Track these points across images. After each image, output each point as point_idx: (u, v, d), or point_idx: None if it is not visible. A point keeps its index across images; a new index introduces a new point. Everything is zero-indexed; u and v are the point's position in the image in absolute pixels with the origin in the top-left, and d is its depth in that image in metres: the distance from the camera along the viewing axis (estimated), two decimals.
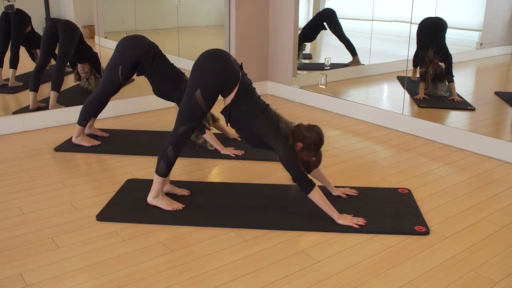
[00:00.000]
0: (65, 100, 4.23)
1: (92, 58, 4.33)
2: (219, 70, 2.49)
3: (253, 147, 2.65)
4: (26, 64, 4.30)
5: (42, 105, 4.14)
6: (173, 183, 2.90)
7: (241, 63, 2.64)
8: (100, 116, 3.93)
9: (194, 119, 2.57)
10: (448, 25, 4.18)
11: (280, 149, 2.44)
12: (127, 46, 3.34)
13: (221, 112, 2.58)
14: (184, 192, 2.83)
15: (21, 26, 4.14)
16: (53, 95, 4.09)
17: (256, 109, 2.51)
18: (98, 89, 3.47)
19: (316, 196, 2.47)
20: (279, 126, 2.49)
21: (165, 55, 3.42)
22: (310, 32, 5.25)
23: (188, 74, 3.47)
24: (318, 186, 2.53)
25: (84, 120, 3.57)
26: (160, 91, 3.45)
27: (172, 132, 2.61)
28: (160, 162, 2.62)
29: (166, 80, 3.37)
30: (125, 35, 3.48)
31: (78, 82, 4.46)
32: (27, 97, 4.12)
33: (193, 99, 2.51)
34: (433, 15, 4.21)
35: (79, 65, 4.34)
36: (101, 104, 3.54)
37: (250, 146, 2.66)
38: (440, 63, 4.25)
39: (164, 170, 2.62)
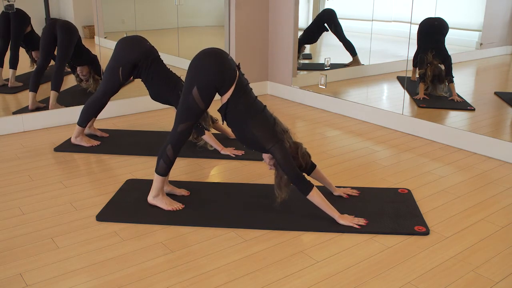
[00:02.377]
0: (65, 100, 4.23)
1: (91, 60, 4.33)
2: (215, 68, 2.48)
3: (248, 148, 2.65)
4: (26, 64, 4.30)
5: (42, 106, 4.14)
6: (173, 183, 2.90)
7: (239, 63, 2.64)
8: (100, 116, 3.94)
9: (192, 118, 2.57)
10: (449, 25, 4.18)
11: (277, 152, 2.44)
12: (126, 47, 3.35)
13: (218, 111, 2.58)
14: (183, 192, 2.83)
15: (20, 26, 4.14)
16: (53, 95, 4.09)
17: (253, 109, 2.51)
18: (99, 91, 3.47)
19: (315, 197, 2.47)
20: (275, 129, 2.49)
21: (162, 60, 3.43)
22: (311, 35, 5.25)
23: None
24: (319, 187, 2.53)
25: (84, 121, 3.57)
26: (156, 95, 3.46)
27: (171, 131, 2.61)
28: (160, 161, 2.62)
29: (163, 84, 3.37)
30: (125, 35, 3.48)
31: (80, 84, 4.46)
32: (27, 97, 4.12)
33: (190, 97, 2.51)
34: (433, 16, 4.21)
35: (78, 68, 4.34)
36: (102, 105, 3.55)
37: (245, 147, 2.66)
38: (439, 65, 4.25)
39: (163, 169, 2.62)
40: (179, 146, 2.61)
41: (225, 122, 2.60)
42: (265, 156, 2.60)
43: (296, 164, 2.49)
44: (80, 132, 3.61)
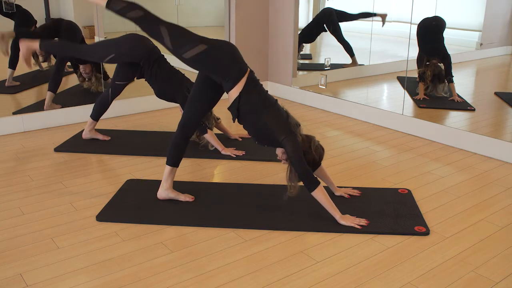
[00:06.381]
0: (65, 100, 4.22)
1: None
2: (231, 53, 2.56)
3: (260, 144, 2.64)
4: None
5: (58, 107, 4.14)
6: (174, 183, 2.89)
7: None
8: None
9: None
10: (448, 25, 4.18)
11: (289, 144, 2.43)
12: (131, 44, 3.37)
13: (229, 108, 2.56)
14: (188, 198, 2.78)
15: (25, 26, 4.13)
16: (49, 95, 4.08)
17: (266, 101, 2.51)
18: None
19: (320, 195, 2.47)
20: (288, 121, 2.49)
21: (165, 58, 3.45)
22: (310, 34, 5.25)
23: (188, 75, 3.49)
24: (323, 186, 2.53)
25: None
26: (162, 93, 3.48)
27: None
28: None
29: (168, 82, 3.39)
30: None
31: (82, 83, 4.45)
32: (27, 97, 4.12)
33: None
34: (432, 15, 4.21)
35: (80, 66, 4.34)
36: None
37: (257, 143, 2.64)
38: (439, 64, 4.26)
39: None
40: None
41: (236, 120, 2.58)
42: (278, 150, 2.59)
43: (309, 158, 2.48)
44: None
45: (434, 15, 4.21)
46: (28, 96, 4.25)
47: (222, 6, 4.95)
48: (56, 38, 4.20)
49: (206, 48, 2.51)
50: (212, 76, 2.57)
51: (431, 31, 4.22)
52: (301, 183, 2.50)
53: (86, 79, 4.40)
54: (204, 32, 2.68)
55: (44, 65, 4.36)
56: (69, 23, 4.18)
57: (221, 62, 2.52)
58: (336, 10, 5.03)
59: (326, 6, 5.20)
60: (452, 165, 3.36)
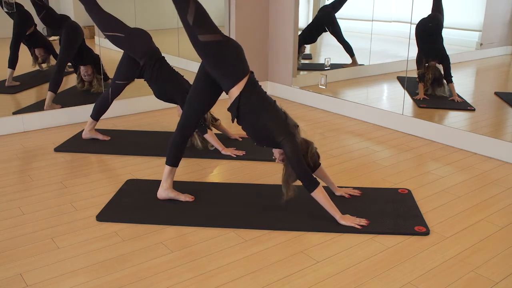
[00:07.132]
0: (65, 100, 4.22)
1: (94, 60, 4.33)
2: (238, 52, 2.56)
3: (259, 145, 2.64)
4: (27, 63, 4.30)
5: (58, 107, 4.14)
6: (174, 183, 2.90)
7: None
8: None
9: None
10: (448, 25, 4.18)
11: (288, 145, 2.43)
12: (141, 39, 3.42)
13: (228, 109, 2.56)
14: (188, 198, 2.78)
15: (23, 26, 4.13)
16: (49, 95, 4.08)
17: (265, 102, 2.52)
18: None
19: (319, 195, 2.47)
20: (287, 122, 2.50)
21: (166, 60, 3.46)
22: (310, 35, 5.25)
23: (188, 75, 3.50)
24: (323, 186, 2.53)
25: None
26: (161, 94, 3.49)
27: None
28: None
29: (168, 82, 3.40)
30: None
31: (81, 88, 4.43)
32: (27, 97, 4.12)
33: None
34: (429, 15, 4.20)
35: (82, 68, 4.33)
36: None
37: (256, 144, 2.64)
38: (437, 66, 4.25)
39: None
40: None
41: (235, 120, 2.58)
42: (275, 151, 2.59)
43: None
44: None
45: (430, 14, 4.19)
46: (28, 96, 4.25)
47: (222, 6, 4.95)
48: (57, 36, 4.21)
49: (221, 39, 2.52)
50: (212, 72, 2.56)
51: (428, 32, 4.21)
52: (298, 183, 2.50)
53: (87, 83, 4.38)
54: None
55: (44, 65, 4.36)
56: (74, 23, 4.19)
57: (227, 58, 2.52)
58: (332, 3, 5.03)
59: (323, 5, 5.20)
60: (452, 165, 3.36)
